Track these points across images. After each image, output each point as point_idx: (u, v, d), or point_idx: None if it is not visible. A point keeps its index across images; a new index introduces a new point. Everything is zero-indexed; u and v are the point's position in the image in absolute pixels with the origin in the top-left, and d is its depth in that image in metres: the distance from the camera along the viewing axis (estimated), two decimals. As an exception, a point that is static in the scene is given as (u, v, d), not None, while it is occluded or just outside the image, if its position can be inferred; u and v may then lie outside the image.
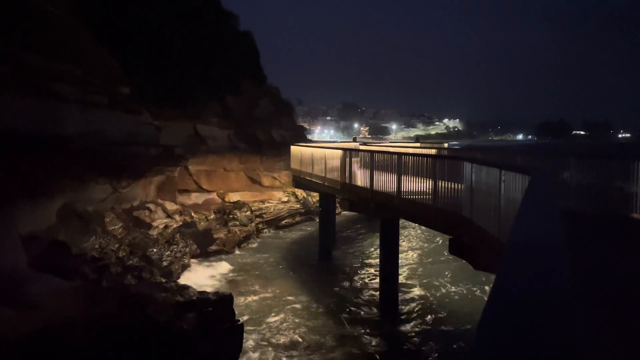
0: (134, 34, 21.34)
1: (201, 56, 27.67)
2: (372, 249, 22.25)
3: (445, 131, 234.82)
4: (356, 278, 18.38)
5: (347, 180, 16.03)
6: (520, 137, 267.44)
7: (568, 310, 1.46)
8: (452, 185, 10.23)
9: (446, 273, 18.43)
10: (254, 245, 23.71)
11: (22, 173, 12.73)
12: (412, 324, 14.06)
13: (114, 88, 17.84)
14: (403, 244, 22.06)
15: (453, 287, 16.97)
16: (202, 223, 22.22)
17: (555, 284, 1.71)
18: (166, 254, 17.68)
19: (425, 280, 17.84)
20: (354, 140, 48.00)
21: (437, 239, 23.05)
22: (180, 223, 20.96)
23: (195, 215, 22.43)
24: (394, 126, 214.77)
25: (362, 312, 14.95)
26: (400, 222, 15.77)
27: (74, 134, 15.38)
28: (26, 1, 13.74)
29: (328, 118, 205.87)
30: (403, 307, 15.15)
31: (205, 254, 20.84)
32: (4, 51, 12.60)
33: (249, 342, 12.40)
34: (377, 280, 16.26)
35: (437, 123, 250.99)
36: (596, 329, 3.53)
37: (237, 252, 22.35)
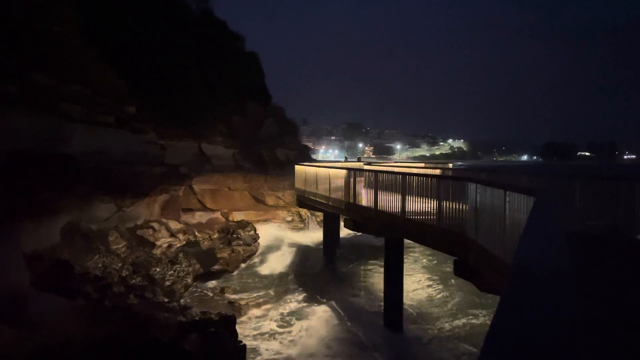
0: (141, 54, 21.65)
1: (207, 76, 27.99)
2: (377, 268, 22.09)
3: (449, 151, 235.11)
4: (360, 295, 18.22)
5: (352, 200, 15.99)
6: (525, 157, 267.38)
7: (572, 334, 1.44)
8: (457, 206, 10.18)
9: (452, 293, 18.26)
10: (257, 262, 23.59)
11: (27, 191, 12.78)
12: (415, 342, 13.91)
13: (120, 108, 18.04)
14: (410, 263, 21.91)
15: (459, 307, 16.78)
16: (205, 242, 22.15)
17: (559, 308, 1.69)
18: (169, 273, 17.62)
19: (430, 300, 17.66)
20: (359, 160, 48.20)
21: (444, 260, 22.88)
22: (184, 242, 20.92)
23: (199, 235, 22.39)
24: (398, 146, 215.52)
25: (366, 330, 14.78)
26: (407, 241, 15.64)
27: (79, 153, 15.52)
28: (35, 22, 13.98)
29: (332, 138, 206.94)
30: (408, 327, 14.98)
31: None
32: (13, 71, 12.79)
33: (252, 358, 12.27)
34: (382, 298, 16.10)
35: (441, 143, 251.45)
36: (602, 355, 3.48)
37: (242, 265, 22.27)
